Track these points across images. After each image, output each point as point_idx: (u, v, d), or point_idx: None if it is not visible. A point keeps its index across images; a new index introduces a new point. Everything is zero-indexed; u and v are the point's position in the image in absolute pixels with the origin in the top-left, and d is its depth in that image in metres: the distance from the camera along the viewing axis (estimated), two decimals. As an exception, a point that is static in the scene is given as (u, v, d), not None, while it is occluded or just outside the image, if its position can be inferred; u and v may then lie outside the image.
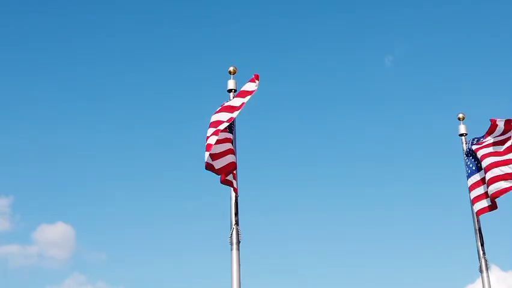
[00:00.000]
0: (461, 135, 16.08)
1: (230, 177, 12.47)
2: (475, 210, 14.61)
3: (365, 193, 37.85)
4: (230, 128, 12.83)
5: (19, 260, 36.10)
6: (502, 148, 14.40)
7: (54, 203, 38.16)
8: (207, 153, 11.88)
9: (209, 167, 12.11)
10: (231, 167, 12.42)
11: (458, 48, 41.59)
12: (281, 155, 39.64)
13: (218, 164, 12.25)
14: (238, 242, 12.08)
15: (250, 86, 13.05)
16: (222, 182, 12.36)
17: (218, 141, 12.15)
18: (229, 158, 12.44)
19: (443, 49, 41.72)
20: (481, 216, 14.77)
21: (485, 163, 14.45)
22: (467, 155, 15.35)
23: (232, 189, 12.51)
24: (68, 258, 37.20)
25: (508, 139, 14.28)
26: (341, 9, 43.00)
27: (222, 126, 12.22)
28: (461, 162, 15.63)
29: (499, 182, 14.12)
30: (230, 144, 12.61)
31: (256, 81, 13.07)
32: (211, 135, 12.07)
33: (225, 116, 12.48)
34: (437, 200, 36.08)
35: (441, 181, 34.61)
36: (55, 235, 37.11)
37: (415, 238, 35.20)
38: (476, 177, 14.91)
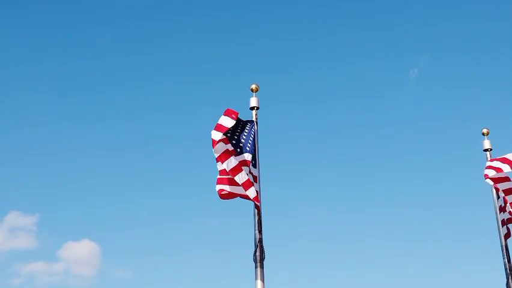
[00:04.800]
0: (486, 150, 15.97)
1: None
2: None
3: (391, 210, 37.61)
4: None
5: (45, 278, 36.39)
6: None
7: (80, 221, 38.51)
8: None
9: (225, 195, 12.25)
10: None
11: (483, 63, 41.34)
12: (304, 166, 39.56)
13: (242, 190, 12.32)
14: (262, 259, 12.05)
15: (227, 121, 12.70)
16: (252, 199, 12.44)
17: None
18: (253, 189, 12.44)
19: (467, 63, 41.50)
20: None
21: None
22: None
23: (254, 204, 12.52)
24: (93, 275, 37.40)
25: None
26: (366, 23, 43.05)
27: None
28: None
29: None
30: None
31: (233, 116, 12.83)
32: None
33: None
34: (463, 216, 35.74)
35: (467, 197, 34.31)
36: (81, 252, 37.38)
37: (442, 255, 34.83)
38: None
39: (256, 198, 12.24)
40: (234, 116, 12.67)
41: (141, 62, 42.53)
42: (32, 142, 40.98)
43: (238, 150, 12.56)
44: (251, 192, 12.09)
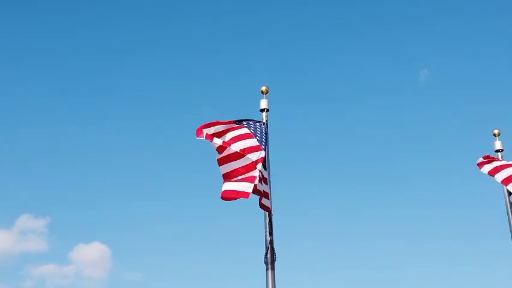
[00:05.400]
0: (497, 151, 15.91)
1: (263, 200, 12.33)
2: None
3: (402, 211, 37.48)
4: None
5: (56, 280, 36.57)
6: None
7: (90, 223, 38.67)
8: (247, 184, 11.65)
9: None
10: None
11: (493, 63, 41.16)
12: (314, 167, 39.51)
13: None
14: (273, 261, 12.02)
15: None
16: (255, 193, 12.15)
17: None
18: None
19: (478, 63, 41.34)
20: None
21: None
22: None
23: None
24: (104, 277, 37.54)
25: None
26: (375, 24, 42.98)
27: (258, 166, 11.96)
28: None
29: None
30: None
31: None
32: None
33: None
34: (474, 217, 35.56)
35: (478, 198, 34.16)
36: (92, 255, 37.53)
37: (453, 255, 34.70)
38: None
39: (266, 195, 12.12)
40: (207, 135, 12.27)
41: (151, 63, 42.73)
42: (41, 145, 41.22)
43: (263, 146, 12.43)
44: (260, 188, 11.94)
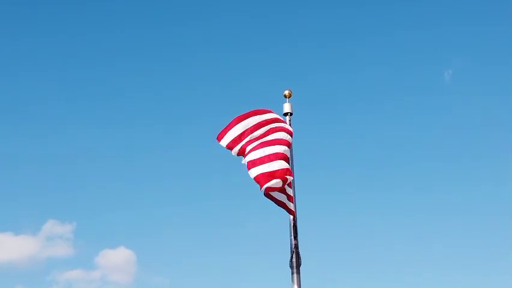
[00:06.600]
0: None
1: (284, 199, 12.30)
2: None
3: (425, 215, 37.19)
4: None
5: (82, 285, 36.92)
6: None
7: (116, 228, 38.99)
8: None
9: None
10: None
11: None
12: (342, 173, 39.38)
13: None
14: (299, 265, 11.99)
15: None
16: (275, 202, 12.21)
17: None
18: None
19: (504, 65, 40.84)
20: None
21: None
22: None
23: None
24: (130, 282, 37.80)
25: None
26: (399, 24, 42.75)
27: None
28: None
29: None
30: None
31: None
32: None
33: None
34: (495, 221, 35.11)
35: (500, 202, 33.80)
36: (117, 260, 37.84)
37: (471, 261, 34.33)
38: None
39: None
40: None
41: (168, 65, 42.91)
42: (67, 150, 41.62)
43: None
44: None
